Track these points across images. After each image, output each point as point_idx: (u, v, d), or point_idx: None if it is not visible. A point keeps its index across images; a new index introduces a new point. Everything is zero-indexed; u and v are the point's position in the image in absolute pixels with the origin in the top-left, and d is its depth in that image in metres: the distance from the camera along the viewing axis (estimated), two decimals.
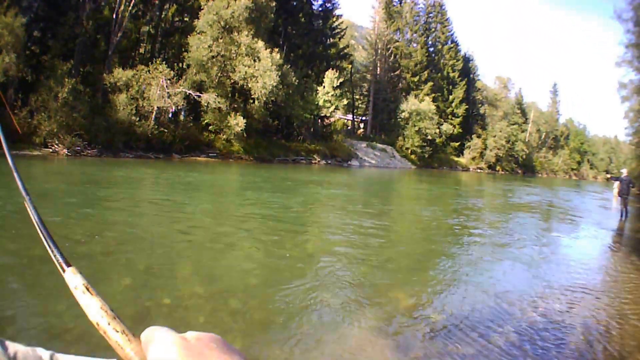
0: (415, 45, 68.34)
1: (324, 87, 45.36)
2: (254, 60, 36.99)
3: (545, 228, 15.43)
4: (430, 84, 64.65)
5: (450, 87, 69.21)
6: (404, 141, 59.36)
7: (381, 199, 21.04)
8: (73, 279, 0.67)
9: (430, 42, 70.24)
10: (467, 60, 75.05)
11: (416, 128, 58.68)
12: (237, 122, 35.80)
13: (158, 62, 36.42)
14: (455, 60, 70.88)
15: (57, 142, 29.37)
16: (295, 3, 49.86)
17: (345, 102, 49.64)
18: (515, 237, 12.23)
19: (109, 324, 0.61)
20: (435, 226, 13.45)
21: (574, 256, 10.41)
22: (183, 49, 40.15)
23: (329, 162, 44.55)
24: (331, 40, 54.74)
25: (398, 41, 66.34)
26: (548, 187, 44.91)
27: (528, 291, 7.03)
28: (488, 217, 16.96)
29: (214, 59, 37.31)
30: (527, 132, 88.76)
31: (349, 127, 62.91)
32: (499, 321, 5.52)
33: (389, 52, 64.42)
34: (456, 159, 68.35)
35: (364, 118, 65.55)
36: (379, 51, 63.56)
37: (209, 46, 36.99)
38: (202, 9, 38.62)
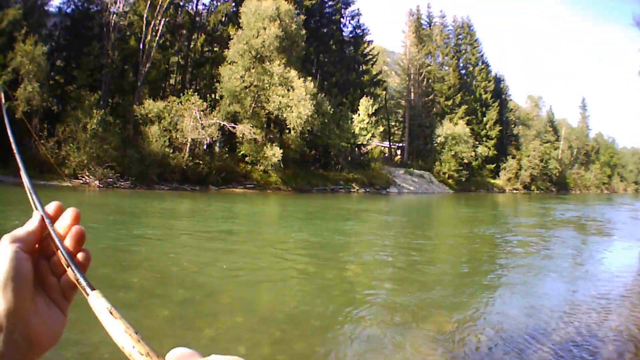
0: (447, 68, 67.65)
1: (359, 114, 44.41)
2: (288, 90, 36.12)
3: (583, 241, 16.71)
4: (464, 107, 63.51)
5: (484, 109, 67.98)
6: (440, 166, 58.13)
7: (431, 224, 22.44)
8: (97, 302, 0.68)
9: (461, 65, 69.41)
10: (498, 80, 73.72)
11: (452, 152, 57.41)
12: (274, 153, 34.83)
13: (190, 93, 35.95)
14: (487, 82, 69.74)
15: (87, 173, 29.00)
16: (325, 30, 49.47)
17: (381, 129, 48.71)
18: (556, 252, 13.16)
19: (133, 347, 0.62)
20: (482, 246, 14.23)
21: (609, 269, 11.04)
22: (215, 80, 39.69)
23: (368, 190, 43.34)
24: (364, 67, 53.99)
25: (430, 65, 65.59)
26: (583, 202, 47.43)
27: (569, 305, 7.43)
28: (532, 234, 18.00)
29: (247, 90, 36.61)
30: (560, 149, 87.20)
31: (386, 154, 61.62)
32: (542, 335, 5.72)
33: (422, 76, 63.48)
34: (492, 181, 66.83)
35: (400, 144, 64.57)
36: (412, 76, 62.66)
37: (241, 76, 36.30)
38: (232, 39, 38.14)
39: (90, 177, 29.12)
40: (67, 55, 36.73)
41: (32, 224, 0.68)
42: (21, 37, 29.50)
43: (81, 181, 29.02)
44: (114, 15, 36.69)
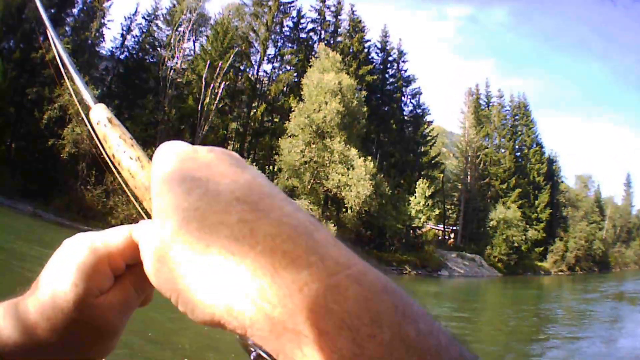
0: (503, 150, 66.54)
1: (416, 197, 43.88)
2: (348, 168, 35.90)
3: (629, 312, 20.23)
4: (518, 190, 61.89)
5: (536, 191, 66.18)
6: (492, 250, 56.68)
7: (487, 303, 25.10)
8: (99, 113, 0.65)
9: (517, 147, 68.03)
10: (551, 162, 71.89)
11: (504, 236, 56.05)
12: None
13: (248, 162, 35.89)
14: (540, 164, 67.92)
15: None
16: (386, 108, 49.70)
17: (437, 212, 47.90)
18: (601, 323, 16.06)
19: (124, 152, 0.58)
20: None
21: None
22: (274, 151, 39.79)
23: (419, 272, 42.24)
24: (422, 148, 53.58)
25: (487, 147, 64.82)
26: (627, 279, 53.43)
27: None
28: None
29: (307, 165, 36.50)
30: (604, 229, 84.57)
31: (439, 237, 60.42)
32: None
33: (479, 159, 62.85)
34: (539, 263, 64.70)
35: (454, 227, 63.48)
36: (470, 159, 62.05)
37: (301, 151, 36.26)
38: (293, 111, 38.28)
39: None
40: (119, 104, 36.49)
41: (118, 238, 0.59)
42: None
43: None
44: (171, 71, 37.08)
